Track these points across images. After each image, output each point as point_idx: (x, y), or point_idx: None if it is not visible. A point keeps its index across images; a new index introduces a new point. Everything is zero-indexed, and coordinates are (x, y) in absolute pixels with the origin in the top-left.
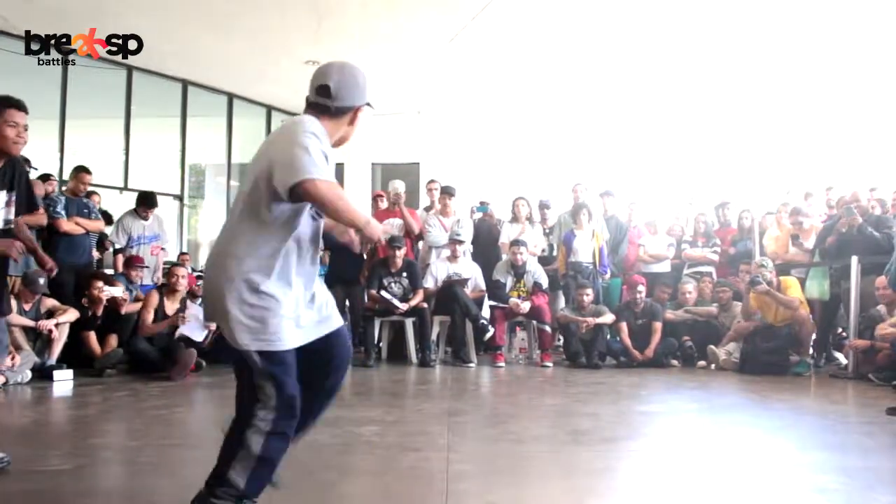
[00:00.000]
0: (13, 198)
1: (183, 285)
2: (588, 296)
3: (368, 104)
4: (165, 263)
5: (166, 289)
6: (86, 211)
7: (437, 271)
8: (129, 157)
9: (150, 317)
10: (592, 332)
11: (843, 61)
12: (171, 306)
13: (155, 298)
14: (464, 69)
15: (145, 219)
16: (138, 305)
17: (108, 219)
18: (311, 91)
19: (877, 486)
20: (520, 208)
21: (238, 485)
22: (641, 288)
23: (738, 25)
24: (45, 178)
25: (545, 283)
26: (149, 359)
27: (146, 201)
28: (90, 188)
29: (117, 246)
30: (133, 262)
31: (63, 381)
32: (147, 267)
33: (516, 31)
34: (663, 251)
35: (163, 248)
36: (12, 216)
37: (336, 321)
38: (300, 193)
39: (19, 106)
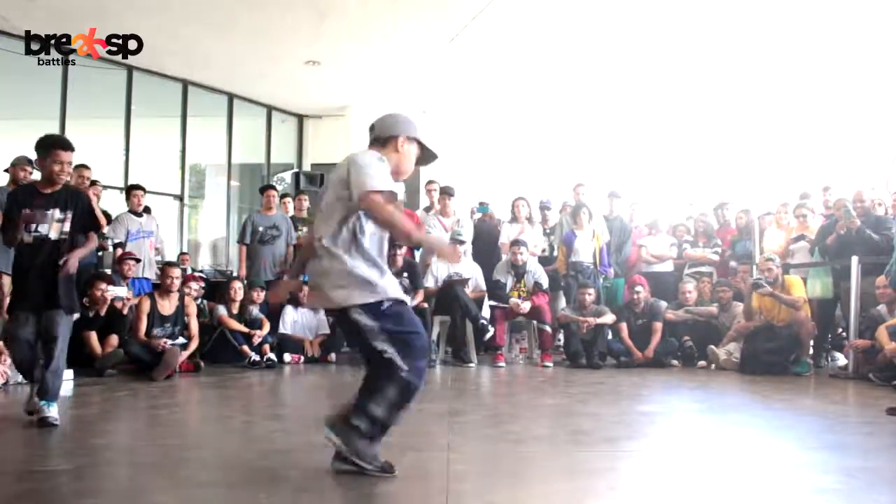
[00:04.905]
0: (68, 215)
1: (177, 286)
2: (590, 295)
3: (417, 140)
4: (158, 263)
5: (159, 290)
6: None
7: (438, 271)
8: (129, 157)
9: (143, 324)
10: (593, 332)
11: (842, 62)
12: (165, 306)
13: (147, 304)
14: (464, 69)
15: (139, 215)
16: (134, 301)
17: (108, 218)
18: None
19: (877, 486)
20: (519, 208)
21: None
22: (639, 288)
23: (738, 26)
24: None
25: (545, 283)
26: (141, 361)
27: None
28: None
29: (116, 241)
30: (122, 257)
31: (63, 381)
32: (139, 260)
33: (516, 31)
34: (666, 251)
35: (157, 247)
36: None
37: None
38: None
39: (65, 146)
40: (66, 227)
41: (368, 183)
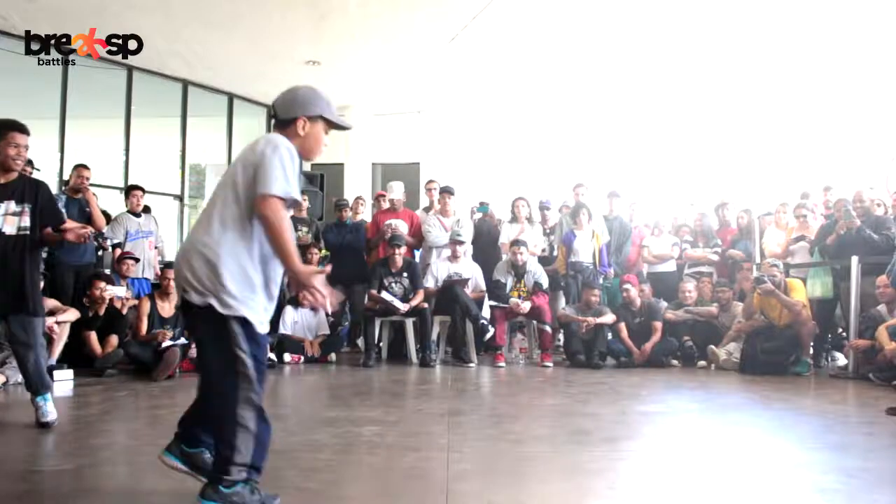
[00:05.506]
0: (26, 208)
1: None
2: (595, 296)
3: (320, 117)
4: (159, 263)
5: (158, 290)
6: (87, 210)
7: (438, 271)
8: (129, 157)
9: (143, 325)
10: (593, 332)
11: (842, 62)
12: (165, 308)
13: (147, 305)
14: (464, 69)
15: (137, 215)
16: (133, 302)
17: (107, 218)
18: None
19: (877, 487)
20: (519, 208)
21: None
22: (628, 286)
23: (738, 26)
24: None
25: (545, 283)
26: (141, 361)
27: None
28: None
29: (114, 241)
30: (121, 257)
31: (63, 381)
32: (138, 260)
33: (516, 31)
34: (668, 251)
35: (156, 247)
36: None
37: None
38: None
39: (21, 129)
40: (26, 221)
41: (273, 186)
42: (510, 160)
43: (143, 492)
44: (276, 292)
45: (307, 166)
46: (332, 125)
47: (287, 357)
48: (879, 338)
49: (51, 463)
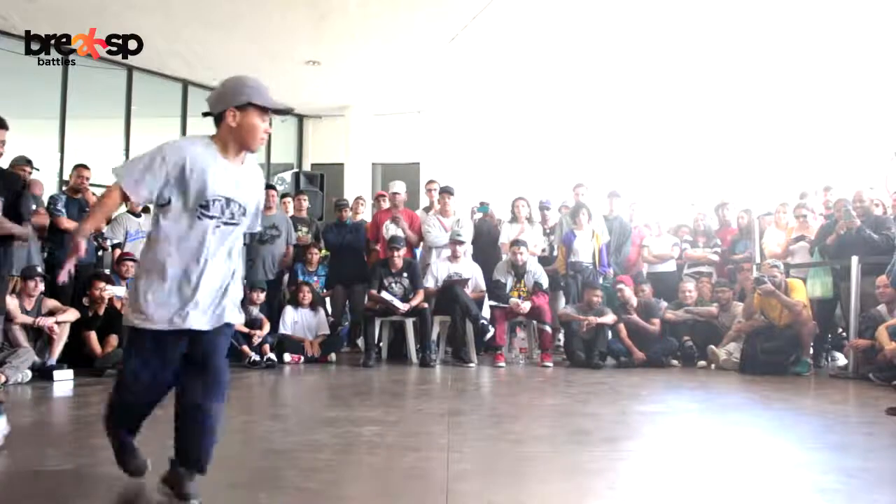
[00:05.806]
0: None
1: None
2: (598, 297)
3: (251, 104)
4: None
5: None
6: (87, 210)
7: (438, 271)
8: (130, 157)
9: None
10: (593, 332)
11: (842, 62)
12: None
13: None
14: (464, 69)
15: (137, 215)
16: None
17: (108, 219)
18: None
19: (877, 487)
20: (519, 208)
21: None
22: (621, 285)
23: (738, 26)
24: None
25: (545, 283)
26: None
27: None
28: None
29: (114, 241)
30: (121, 258)
31: (63, 381)
32: (136, 261)
33: (517, 31)
34: (668, 251)
35: None
36: None
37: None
38: None
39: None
40: None
41: (123, 177)
42: (510, 160)
43: (143, 492)
44: (182, 286)
45: (307, 166)
46: (265, 110)
47: (287, 357)
48: (879, 338)
49: (51, 463)
